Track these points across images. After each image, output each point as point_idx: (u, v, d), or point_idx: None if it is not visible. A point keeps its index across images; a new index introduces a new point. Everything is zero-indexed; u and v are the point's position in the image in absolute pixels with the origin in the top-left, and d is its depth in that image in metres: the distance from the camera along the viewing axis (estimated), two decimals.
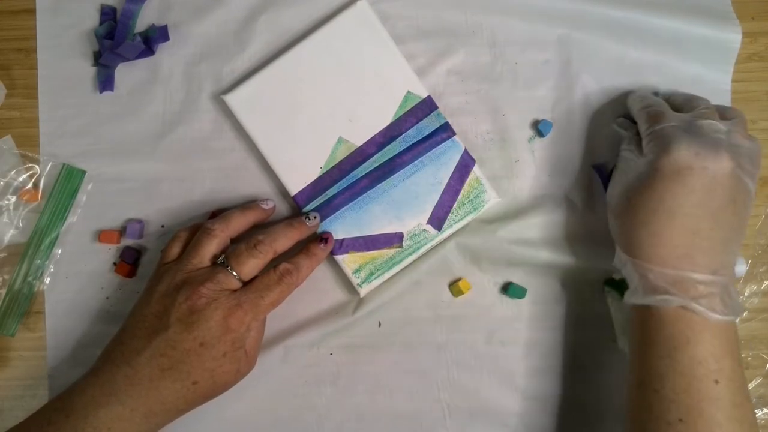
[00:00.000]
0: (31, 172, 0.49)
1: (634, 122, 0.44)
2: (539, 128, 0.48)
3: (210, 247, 0.42)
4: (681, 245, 0.36)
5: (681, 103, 0.41)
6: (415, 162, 0.47)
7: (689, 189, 0.35)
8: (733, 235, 0.38)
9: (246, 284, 0.41)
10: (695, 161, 0.35)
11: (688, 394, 0.36)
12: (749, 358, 0.49)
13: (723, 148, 0.36)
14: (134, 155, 0.49)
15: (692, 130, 0.37)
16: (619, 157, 0.44)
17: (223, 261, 0.41)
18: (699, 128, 0.37)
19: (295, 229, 0.44)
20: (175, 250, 0.43)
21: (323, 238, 0.46)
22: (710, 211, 0.36)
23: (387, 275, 0.47)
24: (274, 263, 0.42)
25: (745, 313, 0.49)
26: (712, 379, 0.36)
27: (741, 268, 0.46)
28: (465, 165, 0.47)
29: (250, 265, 0.41)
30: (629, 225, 0.38)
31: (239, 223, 0.44)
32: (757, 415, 0.48)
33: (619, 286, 0.47)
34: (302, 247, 0.45)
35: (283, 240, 0.43)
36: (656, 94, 0.47)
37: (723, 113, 0.40)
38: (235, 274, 0.41)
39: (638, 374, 0.38)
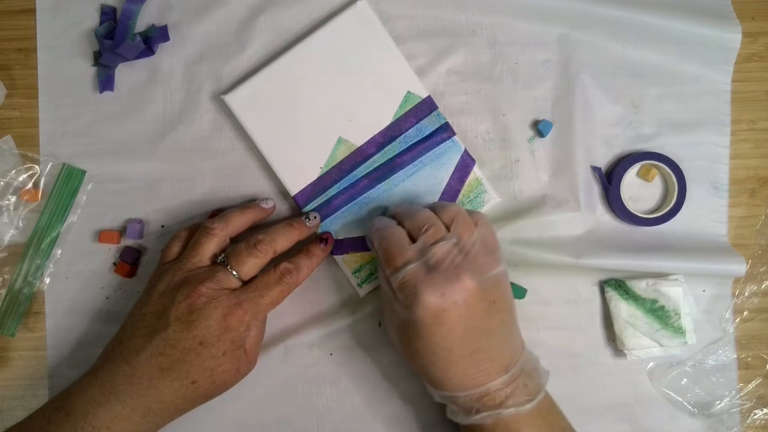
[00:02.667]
0: (31, 172, 0.49)
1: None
2: (539, 128, 0.48)
3: (209, 246, 0.42)
4: (469, 368, 0.38)
5: (407, 225, 0.40)
6: (415, 162, 0.47)
7: (452, 325, 0.37)
8: (508, 325, 0.39)
9: (246, 283, 0.41)
10: (444, 302, 0.36)
11: None
12: (749, 359, 0.49)
13: (461, 271, 0.37)
14: (134, 155, 0.49)
15: (428, 264, 0.37)
16: (380, 286, 0.43)
17: (223, 260, 0.41)
18: (434, 260, 0.37)
19: (294, 229, 0.44)
20: (175, 249, 0.43)
21: (323, 238, 0.46)
22: (478, 327, 0.37)
23: None
24: (274, 263, 0.42)
25: (745, 313, 0.49)
26: None
27: (741, 268, 0.46)
28: (465, 165, 0.47)
29: (250, 264, 0.41)
30: (418, 366, 0.39)
31: (239, 222, 0.44)
32: (757, 415, 0.48)
33: (619, 286, 0.47)
34: (302, 247, 0.45)
35: (283, 240, 0.43)
36: (384, 212, 0.47)
37: (443, 217, 0.40)
38: (234, 273, 0.41)
39: None
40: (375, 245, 0.41)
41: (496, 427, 0.38)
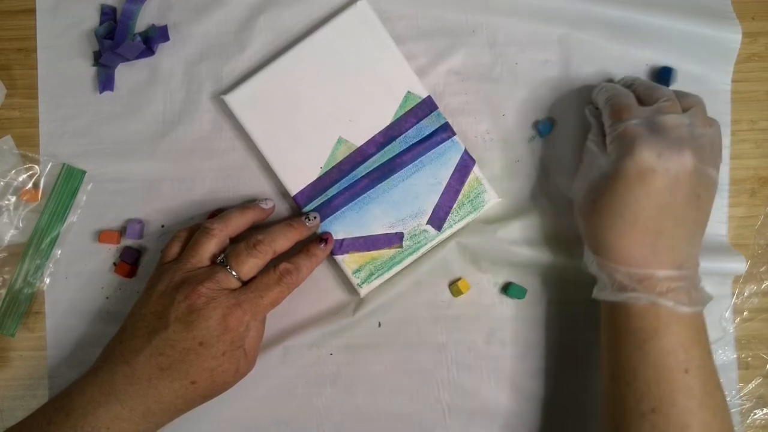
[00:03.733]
0: (31, 172, 0.49)
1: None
2: (539, 128, 0.48)
3: (209, 247, 0.42)
4: (646, 245, 0.37)
5: (643, 93, 0.41)
6: (415, 162, 0.47)
7: (652, 191, 0.36)
8: (697, 228, 0.39)
9: (245, 284, 0.41)
10: (658, 163, 0.36)
11: (659, 384, 0.37)
12: (749, 359, 0.49)
13: (685, 145, 0.36)
14: (134, 155, 0.49)
15: (654, 127, 0.37)
16: (585, 147, 0.43)
17: (222, 260, 0.41)
18: (661, 125, 0.37)
19: (294, 229, 0.44)
20: (175, 249, 0.43)
21: (323, 238, 0.46)
22: (673, 210, 0.37)
23: (387, 275, 0.47)
24: (273, 263, 0.42)
25: (745, 313, 0.49)
26: (683, 369, 0.37)
27: (741, 266, 0.46)
28: (465, 165, 0.47)
29: (250, 264, 0.41)
30: (595, 226, 0.39)
31: (238, 222, 0.44)
32: (757, 415, 0.48)
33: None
34: (302, 248, 0.45)
35: (283, 240, 0.43)
36: (616, 81, 0.47)
37: (683, 102, 0.40)
38: (234, 273, 0.41)
39: (610, 367, 0.39)
40: (601, 99, 0.40)
41: (646, 313, 0.37)
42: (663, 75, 0.48)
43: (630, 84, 0.43)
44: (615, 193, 0.37)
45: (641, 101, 0.40)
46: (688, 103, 0.40)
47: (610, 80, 0.48)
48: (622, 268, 0.37)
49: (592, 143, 0.42)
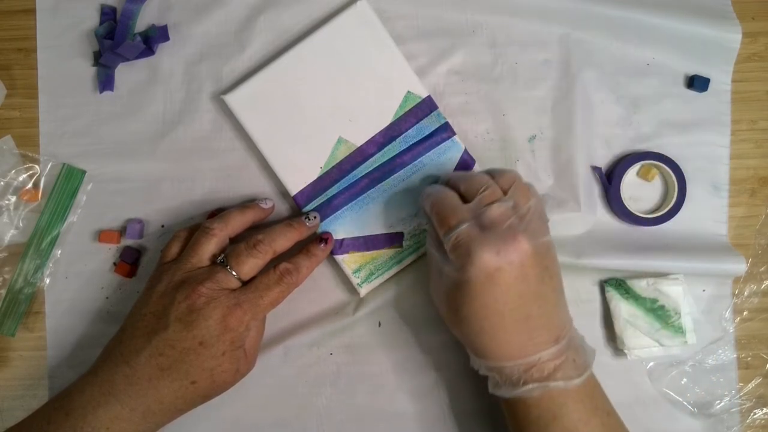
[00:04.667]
0: (31, 172, 0.49)
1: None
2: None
3: (209, 247, 0.42)
4: (520, 335, 0.37)
5: (462, 189, 0.40)
6: (416, 162, 0.47)
7: (506, 287, 0.36)
8: (558, 294, 0.39)
9: (245, 284, 0.41)
10: (500, 261, 0.35)
11: None
12: (749, 359, 0.49)
13: (517, 231, 0.36)
14: (134, 155, 0.49)
15: (484, 224, 0.37)
16: (427, 251, 0.43)
17: (222, 260, 0.41)
18: (489, 220, 0.37)
19: (294, 229, 0.44)
20: (175, 249, 0.43)
21: (323, 238, 0.45)
22: (529, 293, 0.37)
23: (387, 275, 0.47)
24: (273, 263, 0.42)
25: (745, 313, 0.49)
26: None
27: (741, 267, 0.46)
28: (465, 165, 0.47)
29: (250, 264, 0.41)
30: (467, 334, 0.38)
31: (238, 222, 0.44)
32: (756, 415, 0.48)
33: (620, 286, 0.47)
34: (302, 248, 0.45)
35: (283, 240, 0.43)
36: (437, 181, 0.46)
37: (500, 182, 0.40)
38: (234, 273, 0.41)
39: None
40: (427, 209, 0.40)
41: (541, 400, 0.37)
42: (696, 84, 0.48)
43: (447, 182, 0.42)
44: (473, 301, 0.37)
45: (463, 196, 0.40)
46: (505, 182, 0.39)
47: (435, 181, 0.47)
48: (507, 364, 0.37)
49: (432, 249, 0.41)
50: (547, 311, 0.37)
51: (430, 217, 0.40)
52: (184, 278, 0.40)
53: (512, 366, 0.37)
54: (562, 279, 0.40)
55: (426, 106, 0.47)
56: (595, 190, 0.49)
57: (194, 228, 0.44)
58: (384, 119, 0.47)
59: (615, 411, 0.40)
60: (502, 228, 0.36)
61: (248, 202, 0.47)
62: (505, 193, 0.39)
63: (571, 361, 0.37)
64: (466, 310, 0.37)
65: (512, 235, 0.36)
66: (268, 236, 0.42)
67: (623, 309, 0.47)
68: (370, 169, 0.47)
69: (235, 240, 0.44)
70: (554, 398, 0.37)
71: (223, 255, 0.42)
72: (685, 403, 0.47)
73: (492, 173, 0.40)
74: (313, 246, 0.45)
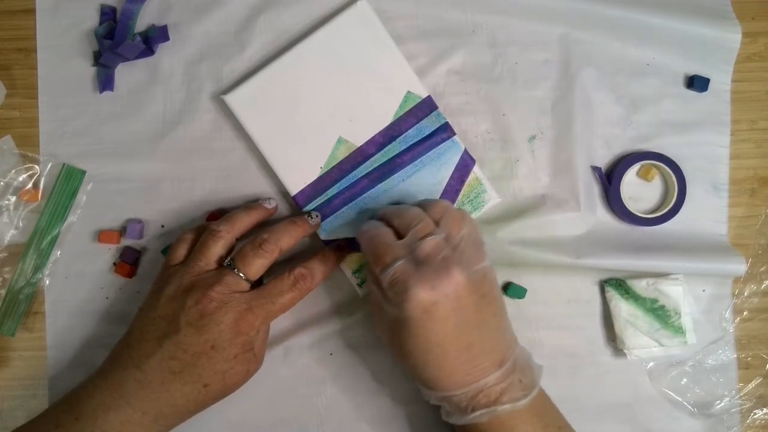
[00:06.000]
0: (31, 172, 0.49)
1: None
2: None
3: (216, 249, 0.42)
4: (463, 364, 0.37)
5: (396, 223, 0.40)
6: (415, 162, 0.47)
7: (444, 320, 0.36)
8: (499, 318, 0.39)
9: (255, 285, 0.41)
10: (435, 295, 0.36)
11: None
12: (749, 359, 0.49)
13: (451, 264, 0.37)
14: (134, 155, 0.49)
15: (418, 259, 0.37)
16: (369, 288, 0.43)
17: (229, 263, 0.41)
18: (423, 255, 0.37)
19: (298, 226, 0.44)
20: (181, 252, 0.43)
21: (339, 245, 0.46)
22: (470, 321, 0.37)
23: None
24: (288, 267, 0.42)
25: (745, 313, 0.49)
26: None
27: (741, 267, 0.46)
28: (465, 165, 0.47)
29: (257, 265, 0.41)
30: (413, 367, 0.39)
31: (243, 223, 0.44)
32: (757, 415, 0.48)
33: (620, 286, 0.47)
34: (317, 252, 0.44)
35: (287, 238, 0.43)
36: (372, 217, 0.45)
37: (431, 213, 0.40)
38: (242, 275, 0.41)
39: None
40: (363, 247, 0.41)
41: (491, 426, 0.38)
42: (696, 84, 0.48)
43: (381, 217, 0.43)
44: (413, 336, 0.37)
45: (397, 232, 0.40)
46: (436, 213, 0.40)
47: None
48: (455, 393, 0.38)
49: (372, 285, 0.41)
50: (488, 336, 0.38)
51: (366, 255, 0.40)
52: (193, 282, 0.40)
53: (460, 394, 0.38)
54: (502, 301, 0.40)
55: (426, 106, 0.47)
56: (595, 190, 0.49)
57: (200, 230, 0.44)
58: (384, 119, 0.47)
59: (568, 424, 0.41)
60: (436, 261, 0.37)
61: (252, 202, 0.47)
62: (437, 224, 0.39)
63: (517, 382, 0.38)
64: (409, 345, 0.37)
65: (446, 268, 0.36)
66: (273, 235, 0.42)
67: (623, 309, 0.47)
68: (370, 169, 0.47)
69: (239, 240, 0.44)
70: (503, 422, 0.38)
71: (230, 258, 0.42)
72: (685, 403, 0.47)
73: (423, 205, 0.41)
74: (327, 251, 0.45)
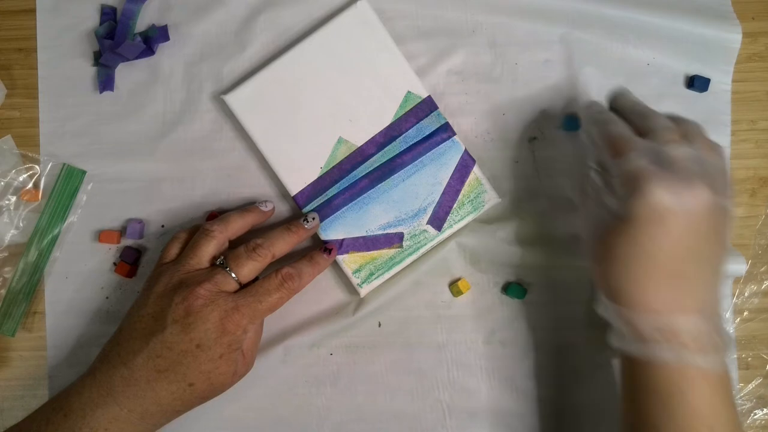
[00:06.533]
0: (31, 172, 0.49)
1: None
2: (566, 123, 0.48)
3: (208, 248, 0.42)
4: (667, 290, 0.34)
5: (635, 120, 0.37)
6: (416, 162, 0.47)
7: (669, 231, 0.33)
8: (718, 266, 0.36)
9: (244, 286, 0.41)
10: (673, 202, 0.33)
11: None
12: (749, 359, 0.49)
13: (698, 178, 0.33)
14: (134, 155, 0.49)
15: (662, 161, 0.34)
16: (582, 178, 0.40)
17: (222, 262, 0.41)
18: (669, 159, 0.34)
19: (293, 233, 0.44)
20: (174, 250, 0.43)
21: (327, 248, 0.45)
22: (693, 249, 0.34)
23: (387, 275, 0.47)
24: (275, 267, 0.42)
25: (745, 314, 0.49)
26: (708, 428, 0.34)
27: (741, 267, 0.46)
28: (465, 165, 0.47)
29: (249, 267, 0.41)
30: (608, 271, 0.36)
31: (238, 224, 0.44)
32: (757, 416, 0.48)
33: None
34: (306, 254, 0.45)
35: (282, 244, 0.43)
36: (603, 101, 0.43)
37: (682, 128, 0.37)
38: (233, 275, 0.41)
39: (629, 420, 0.37)
40: (593, 131, 0.37)
41: (670, 369, 0.33)
42: (696, 84, 0.48)
43: (617, 107, 0.40)
44: (629, 237, 0.34)
45: (638, 130, 0.37)
46: (687, 130, 0.37)
47: (593, 102, 0.44)
48: (642, 317, 0.34)
49: (595, 175, 0.38)
50: (703, 276, 0.34)
51: (596, 138, 0.37)
52: (182, 279, 0.40)
53: (647, 319, 0.34)
54: (727, 255, 0.36)
55: (426, 106, 0.47)
56: None
57: (194, 230, 0.44)
58: (384, 119, 0.47)
59: (737, 413, 0.36)
60: (684, 168, 0.33)
61: (248, 205, 0.47)
62: (686, 139, 0.36)
63: (713, 340, 0.34)
64: (619, 245, 0.34)
65: (692, 179, 0.33)
66: (268, 240, 0.42)
67: None
68: (370, 169, 0.47)
69: (234, 243, 0.44)
70: (686, 373, 0.33)
71: (222, 257, 0.42)
72: None
73: (673, 118, 0.37)
74: (316, 254, 0.45)
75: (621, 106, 0.40)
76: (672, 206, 0.33)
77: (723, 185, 0.35)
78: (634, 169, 0.34)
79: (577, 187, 0.40)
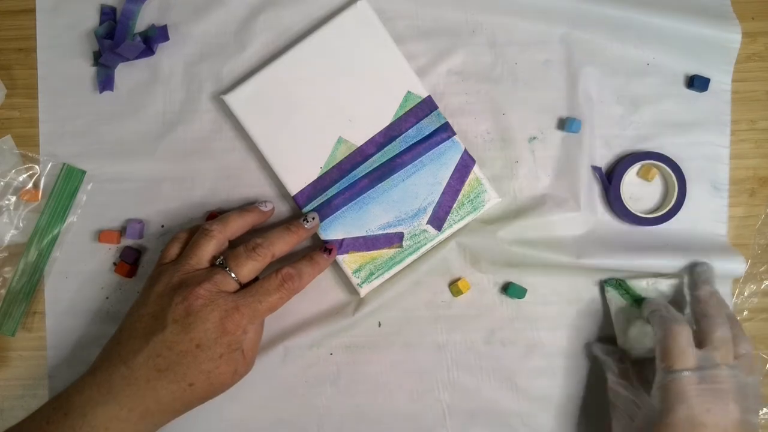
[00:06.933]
0: (31, 172, 0.49)
1: (612, 345, 0.47)
2: (569, 127, 0.48)
3: (208, 248, 0.42)
4: None
5: (699, 321, 0.42)
6: (415, 162, 0.47)
7: None
8: None
9: (244, 286, 0.41)
10: (707, 418, 0.38)
11: None
12: None
13: (732, 398, 0.38)
14: (134, 155, 0.49)
15: (706, 379, 0.39)
16: (609, 389, 0.45)
17: (221, 262, 0.41)
18: (712, 378, 0.39)
19: (293, 233, 0.44)
20: (174, 250, 0.43)
21: (327, 248, 0.45)
22: None
23: (387, 275, 0.47)
24: (275, 267, 0.42)
25: (745, 313, 0.49)
26: None
27: (741, 267, 0.46)
28: (465, 165, 0.47)
29: (249, 267, 0.41)
30: None
31: (237, 224, 0.44)
32: None
33: (620, 286, 0.47)
34: (305, 254, 0.45)
35: (281, 244, 0.43)
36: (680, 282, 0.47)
37: (737, 347, 0.41)
38: (233, 275, 0.41)
39: None
40: (657, 333, 0.42)
41: None
42: (696, 84, 0.48)
43: (692, 303, 0.44)
44: None
45: (695, 330, 0.42)
46: (740, 349, 0.41)
47: (658, 275, 0.47)
48: None
49: (618, 386, 0.44)
50: None
51: (655, 339, 0.42)
52: (182, 279, 0.40)
53: None
54: None
55: (426, 106, 0.47)
56: (595, 190, 0.49)
57: (194, 230, 0.44)
58: (384, 119, 0.47)
59: None
60: (721, 388, 0.38)
61: (248, 205, 0.47)
62: (736, 357, 0.41)
63: None
64: None
65: (727, 398, 0.38)
66: (267, 240, 0.42)
67: (623, 309, 0.47)
68: (370, 169, 0.47)
69: (233, 243, 0.44)
70: None
71: (222, 257, 0.42)
72: None
73: (734, 327, 0.42)
74: (316, 254, 0.45)
75: (696, 299, 0.44)
76: (705, 421, 0.38)
77: (754, 405, 0.40)
78: (678, 384, 0.39)
79: (609, 396, 0.45)
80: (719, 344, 0.40)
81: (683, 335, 0.41)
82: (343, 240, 0.47)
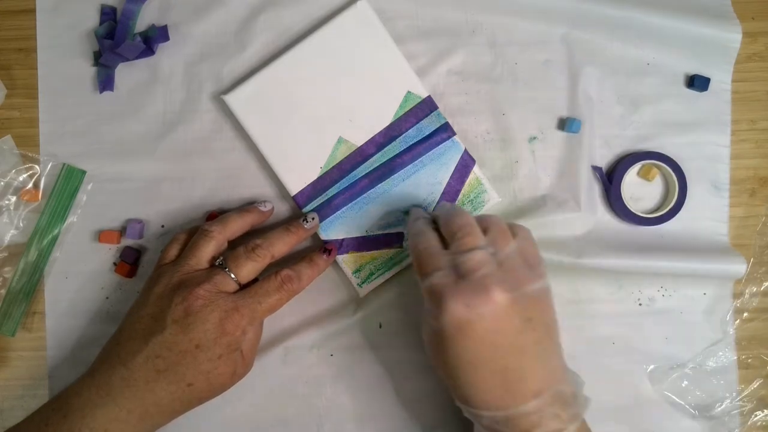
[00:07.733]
0: (31, 172, 0.49)
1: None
2: (567, 128, 0.48)
3: (207, 249, 0.42)
4: (496, 387, 0.35)
5: (443, 231, 0.39)
6: (415, 162, 0.47)
7: (477, 338, 0.35)
8: (544, 346, 0.36)
9: (244, 287, 0.41)
10: (469, 313, 0.34)
11: None
12: (749, 359, 0.48)
13: (491, 283, 0.35)
14: (134, 155, 0.49)
15: (459, 272, 0.36)
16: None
17: (221, 262, 0.41)
18: (464, 269, 0.35)
19: (292, 234, 0.44)
20: (173, 251, 0.43)
21: (327, 249, 0.45)
22: (508, 345, 0.35)
23: (387, 275, 0.47)
24: (274, 268, 0.42)
25: (745, 315, 0.49)
26: None
27: (741, 268, 0.46)
28: (465, 165, 0.47)
29: (248, 268, 0.41)
30: (445, 377, 0.37)
31: (237, 225, 0.44)
32: (757, 417, 0.48)
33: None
34: (305, 256, 0.45)
35: (281, 245, 0.43)
36: (425, 208, 0.46)
37: (481, 223, 0.38)
38: (233, 276, 0.41)
39: None
40: (411, 250, 0.40)
41: None
42: (696, 84, 0.48)
43: (434, 217, 0.41)
44: (446, 349, 0.36)
45: (442, 237, 0.39)
46: (486, 224, 0.38)
47: (417, 205, 0.46)
48: (484, 414, 0.36)
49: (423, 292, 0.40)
50: (527, 364, 0.35)
51: (412, 258, 0.40)
52: (182, 280, 0.40)
53: (489, 415, 0.36)
54: (554, 327, 0.37)
55: (426, 106, 0.47)
56: (596, 190, 0.49)
57: (193, 230, 0.44)
58: (384, 119, 0.47)
59: None
60: (476, 277, 0.35)
61: (247, 205, 0.47)
62: (485, 233, 0.38)
63: (554, 416, 0.35)
64: (443, 357, 0.36)
65: (484, 286, 0.35)
66: (267, 241, 0.42)
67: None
68: (370, 169, 0.47)
69: (233, 243, 0.44)
70: None
71: (221, 258, 0.42)
72: (685, 405, 0.47)
73: (479, 218, 0.39)
74: (316, 255, 0.45)
75: (435, 216, 0.41)
76: (468, 317, 0.34)
77: (525, 272, 0.36)
78: (434, 287, 0.36)
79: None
80: (462, 234, 0.37)
81: (429, 240, 0.38)
82: (343, 240, 0.47)
